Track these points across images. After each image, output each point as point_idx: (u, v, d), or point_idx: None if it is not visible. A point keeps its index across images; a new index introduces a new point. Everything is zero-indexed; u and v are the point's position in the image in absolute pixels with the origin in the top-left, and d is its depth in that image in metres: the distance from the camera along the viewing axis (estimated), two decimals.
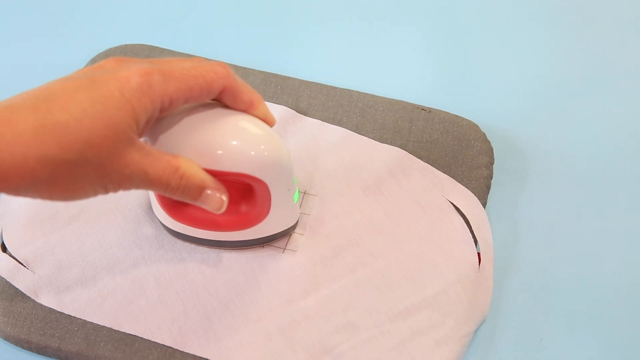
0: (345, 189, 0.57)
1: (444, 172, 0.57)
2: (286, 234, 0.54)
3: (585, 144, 0.61)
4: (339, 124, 0.60)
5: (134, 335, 0.51)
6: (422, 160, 0.58)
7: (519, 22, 0.70)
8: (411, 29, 0.70)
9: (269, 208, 0.50)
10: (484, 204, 0.57)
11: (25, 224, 0.56)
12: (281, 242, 0.54)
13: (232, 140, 0.46)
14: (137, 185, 0.43)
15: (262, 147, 0.47)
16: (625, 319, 0.53)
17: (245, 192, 0.50)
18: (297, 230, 0.55)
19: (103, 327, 0.52)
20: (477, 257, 0.54)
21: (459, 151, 0.59)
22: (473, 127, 0.60)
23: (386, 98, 0.62)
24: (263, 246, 0.54)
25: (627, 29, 0.69)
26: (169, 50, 0.66)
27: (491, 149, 0.59)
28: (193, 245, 0.54)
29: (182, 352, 0.51)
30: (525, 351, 0.52)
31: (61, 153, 0.38)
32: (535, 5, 0.71)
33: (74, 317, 0.52)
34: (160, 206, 0.52)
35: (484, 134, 0.60)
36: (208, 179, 0.46)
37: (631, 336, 0.52)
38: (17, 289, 0.53)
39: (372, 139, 0.59)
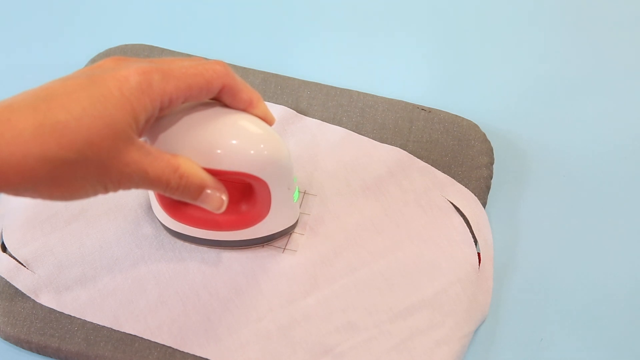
0: (345, 189, 0.57)
1: (444, 172, 0.57)
2: (286, 233, 0.54)
3: (585, 144, 0.61)
4: (339, 124, 0.60)
5: (134, 335, 0.51)
6: (422, 160, 0.58)
7: (519, 22, 0.70)
8: (411, 29, 0.70)
9: (269, 207, 0.50)
10: (484, 204, 0.57)
11: (25, 224, 0.56)
12: (281, 242, 0.54)
13: (232, 139, 0.46)
14: (137, 185, 0.43)
15: (262, 145, 0.47)
16: (625, 319, 0.53)
17: (245, 191, 0.50)
18: (297, 230, 0.55)
19: (103, 327, 0.52)
20: (477, 257, 0.54)
21: (459, 151, 0.59)
22: (473, 127, 0.60)
23: (386, 98, 0.62)
24: (263, 246, 0.54)
25: (626, 29, 0.69)
26: (169, 50, 0.66)
27: (491, 149, 0.59)
28: (193, 245, 0.54)
29: (182, 352, 0.51)
30: (525, 351, 0.52)
31: (61, 152, 0.38)
32: (535, 6, 0.71)
33: (74, 317, 0.52)
34: (160, 206, 0.52)
35: (484, 134, 0.60)
36: (208, 179, 0.46)
37: (631, 336, 0.52)
38: (17, 289, 0.53)
39: (372, 139, 0.59)
